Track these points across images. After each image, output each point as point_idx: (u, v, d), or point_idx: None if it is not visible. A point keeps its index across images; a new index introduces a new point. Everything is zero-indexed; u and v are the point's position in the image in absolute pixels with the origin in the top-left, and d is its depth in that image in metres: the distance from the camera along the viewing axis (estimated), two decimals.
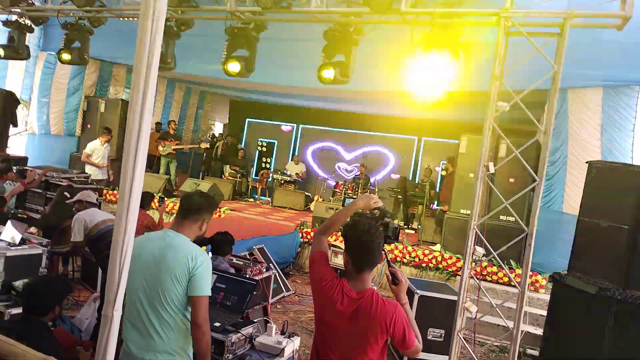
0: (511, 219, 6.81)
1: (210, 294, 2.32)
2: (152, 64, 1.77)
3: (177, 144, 10.96)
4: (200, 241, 4.21)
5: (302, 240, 8.18)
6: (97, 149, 8.55)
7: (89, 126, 10.29)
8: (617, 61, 5.96)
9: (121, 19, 5.66)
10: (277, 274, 6.31)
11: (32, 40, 8.92)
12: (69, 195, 5.26)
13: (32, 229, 5.38)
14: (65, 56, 6.09)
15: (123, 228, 1.75)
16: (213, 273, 3.30)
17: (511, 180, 6.98)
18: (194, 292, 2.25)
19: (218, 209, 9.28)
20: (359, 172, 11.69)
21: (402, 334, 2.01)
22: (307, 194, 11.66)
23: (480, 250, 3.76)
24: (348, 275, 2.13)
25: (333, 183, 12.23)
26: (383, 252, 2.13)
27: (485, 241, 3.82)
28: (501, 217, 6.98)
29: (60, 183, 6.81)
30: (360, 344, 2.04)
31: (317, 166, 13.48)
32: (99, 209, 6.55)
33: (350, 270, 2.11)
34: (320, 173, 13.08)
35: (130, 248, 1.78)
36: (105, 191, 8.57)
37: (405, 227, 10.08)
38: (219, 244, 4.09)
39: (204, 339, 2.26)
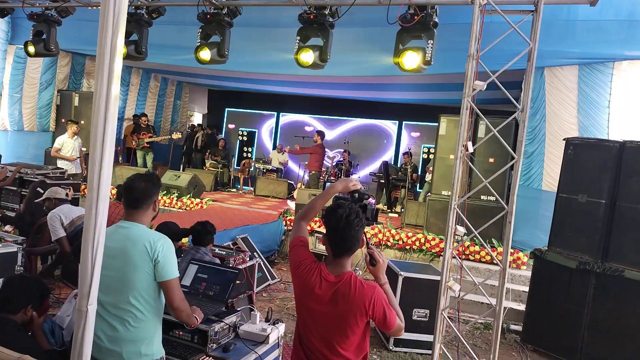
0: (492, 198, 6.90)
1: (178, 275, 2.32)
2: (116, 50, 1.70)
3: (149, 137, 10.79)
4: (181, 232, 4.17)
5: (286, 228, 8.16)
6: (66, 142, 8.39)
7: (63, 120, 10.03)
8: (591, 39, 6.01)
9: (89, 7, 5.48)
10: (261, 263, 6.29)
11: None
12: (42, 191, 5.14)
13: (8, 227, 5.26)
14: (30, 48, 5.89)
15: (93, 219, 1.70)
16: (194, 263, 3.28)
17: (491, 160, 7.04)
18: (162, 278, 2.24)
19: (200, 200, 9.19)
20: (342, 158, 11.68)
21: (382, 315, 2.00)
22: (289, 182, 11.62)
23: (461, 230, 3.78)
24: (327, 259, 2.12)
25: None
26: (364, 235, 2.11)
27: (466, 220, 3.84)
28: (482, 197, 7.06)
29: (34, 180, 6.64)
30: (340, 327, 2.03)
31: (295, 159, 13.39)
32: (77, 204, 6.45)
33: (329, 255, 2.10)
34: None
35: (102, 239, 1.73)
36: (83, 186, 8.39)
37: (389, 210, 10.13)
38: (200, 234, 4.03)
39: (183, 316, 2.36)
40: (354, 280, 2.04)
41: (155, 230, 2.52)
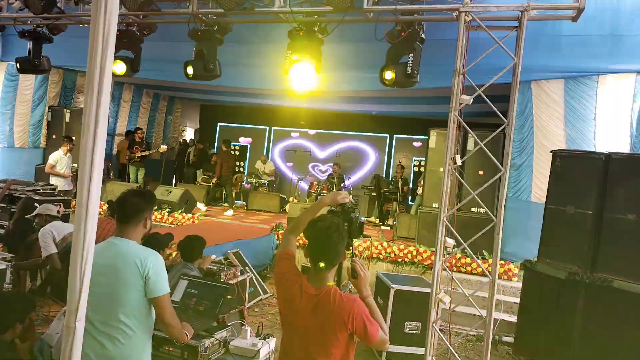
0: (482, 210, 6.94)
1: (169, 290, 2.33)
2: (106, 65, 1.73)
3: (140, 151, 10.79)
4: (167, 239, 4.12)
5: (278, 242, 8.15)
6: (61, 159, 8.36)
7: (54, 137, 10.01)
8: (576, 53, 6.14)
9: (80, 25, 5.52)
10: (253, 277, 6.27)
11: None
12: (31, 208, 5.12)
13: None
14: (22, 65, 5.91)
15: (82, 235, 1.71)
16: (184, 279, 3.27)
17: (480, 172, 7.11)
18: (153, 294, 2.25)
19: (192, 215, 9.17)
20: (332, 171, 11.72)
21: (362, 328, 1.99)
22: (282, 195, 11.62)
23: (450, 242, 3.81)
24: (309, 272, 2.13)
25: (307, 185, 12.24)
26: (351, 248, 2.13)
27: (455, 232, 3.87)
28: (473, 210, 7.10)
29: (24, 196, 6.60)
30: (321, 340, 2.02)
31: (289, 169, 13.43)
32: (67, 221, 6.41)
33: (311, 268, 2.11)
34: (292, 175, 13.00)
35: (90, 255, 1.73)
36: (73, 202, 8.35)
37: (381, 223, 10.16)
38: (186, 249, 3.99)
39: (175, 332, 2.36)
40: (333, 293, 2.04)
41: (142, 243, 2.53)
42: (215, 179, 11.58)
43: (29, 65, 5.92)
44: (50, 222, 4.87)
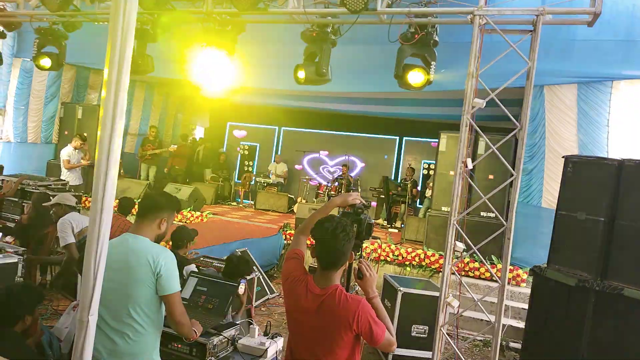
0: (492, 214, 6.91)
1: (180, 289, 2.34)
2: (124, 62, 1.75)
3: (152, 149, 10.87)
4: (192, 233, 4.12)
5: (285, 242, 8.16)
6: (72, 154, 8.44)
7: (66, 133, 10.11)
8: (590, 58, 6.09)
9: (96, 23, 5.57)
10: (260, 277, 6.29)
11: (5, 47, 8.74)
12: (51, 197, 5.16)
13: (8, 238, 5.27)
14: (45, 62, 5.94)
15: (97, 230, 1.73)
16: (193, 276, 3.29)
17: (490, 176, 7.07)
18: (164, 292, 2.26)
19: (200, 213, 9.21)
20: (341, 173, 11.71)
21: (368, 329, 1.98)
22: (290, 195, 11.64)
23: (460, 246, 3.79)
24: (315, 272, 2.12)
25: (317, 182, 12.26)
26: (360, 250, 2.12)
27: (465, 236, 3.85)
28: (482, 214, 7.07)
29: (35, 190, 6.68)
30: (325, 340, 2.01)
31: (302, 167, 13.45)
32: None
33: (317, 268, 2.11)
34: (308, 172, 13.03)
35: (105, 251, 1.75)
36: (84, 198, 8.43)
37: (389, 226, 10.14)
38: (230, 268, 3.98)
39: (184, 330, 2.37)
40: (339, 294, 2.02)
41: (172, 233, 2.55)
42: (166, 170, 11.87)
43: (55, 64, 5.96)
44: (69, 213, 4.90)
